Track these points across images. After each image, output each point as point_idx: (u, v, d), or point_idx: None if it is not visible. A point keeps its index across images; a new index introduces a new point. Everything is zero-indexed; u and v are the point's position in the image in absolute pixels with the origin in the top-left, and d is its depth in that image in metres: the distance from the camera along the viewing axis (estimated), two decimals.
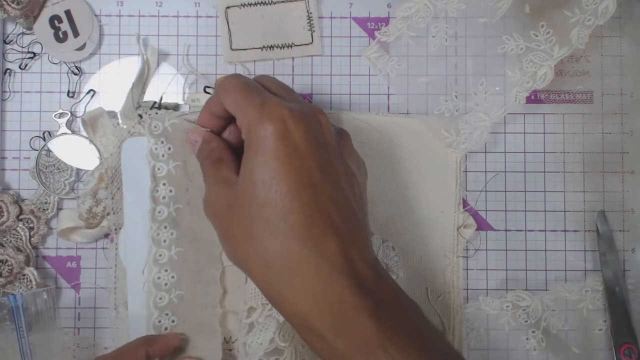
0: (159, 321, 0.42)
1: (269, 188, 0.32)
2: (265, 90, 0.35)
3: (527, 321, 0.46)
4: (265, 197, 0.32)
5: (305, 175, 0.32)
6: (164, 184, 0.42)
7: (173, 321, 0.42)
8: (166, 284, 0.42)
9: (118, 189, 0.44)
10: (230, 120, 0.38)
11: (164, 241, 0.42)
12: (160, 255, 0.42)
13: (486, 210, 0.47)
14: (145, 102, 0.45)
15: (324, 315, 0.31)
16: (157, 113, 0.44)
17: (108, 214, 0.45)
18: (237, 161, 0.36)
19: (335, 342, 0.30)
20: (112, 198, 0.44)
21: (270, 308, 0.40)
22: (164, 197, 0.42)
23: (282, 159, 0.32)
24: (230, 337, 0.44)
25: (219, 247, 0.43)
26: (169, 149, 0.42)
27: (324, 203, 0.32)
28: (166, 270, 0.42)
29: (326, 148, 0.34)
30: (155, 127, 0.42)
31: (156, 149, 0.42)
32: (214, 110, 0.37)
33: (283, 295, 0.32)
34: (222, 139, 0.38)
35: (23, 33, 0.47)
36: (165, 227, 0.42)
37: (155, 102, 0.45)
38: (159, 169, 0.42)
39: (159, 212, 0.42)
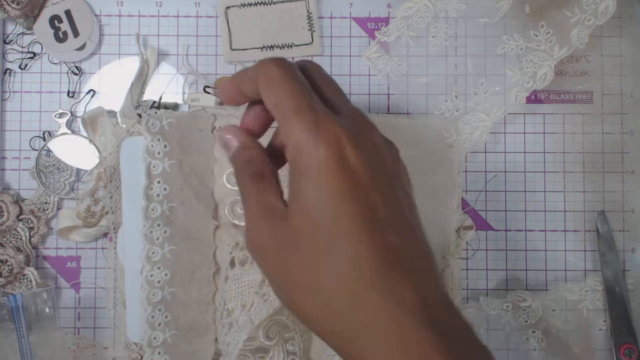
0: (152, 317, 0.42)
1: (332, 229, 0.27)
2: (314, 94, 0.30)
3: (527, 321, 0.46)
4: (329, 240, 0.27)
5: (372, 211, 0.28)
6: (159, 182, 0.42)
7: (166, 317, 0.42)
8: (159, 282, 0.42)
9: (117, 188, 0.44)
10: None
11: (157, 239, 0.42)
12: (153, 252, 0.42)
13: (486, 211, 0.47)
14: (144, 101, 0.45)
15: None
16: (156, 113, 0.44)
17: (107, 213, 0.45)
18: (277, 175, 0.31)
19: None
20: (111, 197, 0.44)
21: (248, 310, 0.39)
22: (158, 195, 0.42)
23: (345, 193, 0.27)
24: None
25: (212, 246, 0.43)
26: (165, 146, 0.42)
27: (395, 242, 0.28)
28: (159, 268, 0.42)
29: (385, 173, 0.30)
30: (153, 124, 0.42)
31: (152, 146, 0.42)
32: (244, 88, 0.31)
33: (366, 355, 0.27)
34: (262, 149, 0.32)
35: (23, 33, 0.47)
36: (159, 225, 0.42)
37: (154, 102, 0.45)
38: (154, 166, 0.42)
39: (152, 209, 0.42)
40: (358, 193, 0.27)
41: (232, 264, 0.42)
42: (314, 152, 0.27)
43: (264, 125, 0.33)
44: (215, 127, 0.44)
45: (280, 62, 0.30)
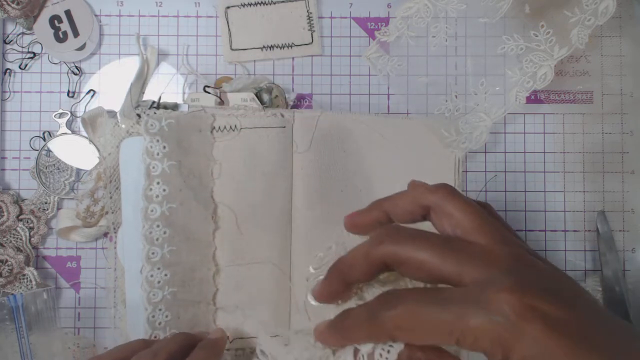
0: (153, 316, 0.42)
1: None
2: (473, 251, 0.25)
3: None
4: None
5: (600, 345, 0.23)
6: (158, 183, 0.42)
7: (167, 316, 0.42)
8: (159, 282, 0.42)
9: (116, 188, 0.44)
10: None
11: (157, 239, 0.42)
12: (153, 253, 0.42)
13: None
14: (144, 101, 0.45)
15: None
16: (155, 113, 0.44)
17: (106, 213, 0.45)
18: None
19: None
20: (111, 197, 0.44)
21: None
22: (157, 196, 0.42)
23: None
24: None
25: (211, 247, 0.43)
26: (164, 147, 0.42)
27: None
28: (159, 268, 0.42)
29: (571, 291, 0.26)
30: (152, 125, 0.42)
31: (151, 147, 0.42)
32: (353, 277, 0.26)
33: None
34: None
35: (23, 33, 0.47)
36: (158, 226, 0.42)
37: (154, 102, 0.45)
38: (153, 167, 0.42)
39: (152, 210, 0.42)
40: (583, 350, 0.23)
41: None
42: (518, 338, 0.23)
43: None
44: (214, 128, 0.44)
45: (462, 198, 0.26)
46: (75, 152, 0.46)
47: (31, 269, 0.45)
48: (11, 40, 0.47)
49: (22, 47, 0.47)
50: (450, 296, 0.24)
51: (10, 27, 0.47)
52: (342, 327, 0.26)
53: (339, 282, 0.27)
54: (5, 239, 0.45)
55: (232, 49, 0.47)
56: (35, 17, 0.46)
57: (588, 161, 0.47)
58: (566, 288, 0.25)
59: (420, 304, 0.24)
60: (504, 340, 0.23)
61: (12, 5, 0.45)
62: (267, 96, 0.45)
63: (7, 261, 0.44)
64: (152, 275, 0.42)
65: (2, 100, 0.46)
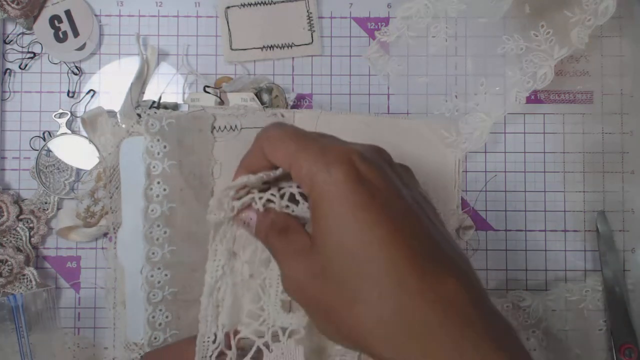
0: (153, 317, 0.42)
1: (359, 241, 0.27)
2: (317, 133, 0.31)
3: (527, 321, 0.46)
4: (360, 253, 0.27)
5: (397, 217, 0.27)
6: (158, 183, 0.42)
7: (167, 317, 0.42)
8: (159, 282, 0.42)
9: (117, 188, 0.44)
10: None
11: (157, 239, 0.42)
12: (154, 253, 0.42)
13: (486, 210, 0.47)
14: (144, 101, 0.45)
15: None
16: (155, 112, 0.44)
17: (106, 213, 0.45)
18: (299, 223, 0.32)
19: None
20: (111, 197, 0.44)
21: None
22: (157, 196, 0.42)
23: (364, 205, 0.27)
24: None
25: None
26: (165, 147, 0.42)
27: (427, 243, 0.28)
28: (159, 268, 0.42)
29: (402, 184, 0.30)
30: (152, 125, 0.42)
31: (152, 147, 0.42)
32: (252, 167, 0.32)
33: None
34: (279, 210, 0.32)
35: (23, 33, 0.47)
36: (158, 226, 0.42)
37: (154, 102, 0.45)
38: (154, 167, 0.42)
39: (152, 210, 0.42)
40: (379, 202, 0.27)
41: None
42: (327, 175, 0.28)
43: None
44: (215, 127, 0.44)
45: (277, 123, 0.31)
46: (75, 152, 0.46)
47: (31, 269, 0.45)
48: (11, 40, 0.47)
49: (22, 47, 0.47)
50: (307, 141, 0.29)
51: (10, 27, 0.47)
52: (240, 163, 0.33)
53: (243, 172, 0.32)
54: (5, 239, 0.45)
55: (232, 49, 0.47)
56: (35, 17, 0.46)
57: (588, 161, 0.47)
58: (395, 184, 0.29)
59: (284, 131, 0.30)
60: (312, 174, 0.28)
61: (12, 5, 0.45)
62: (267, 96, 0.45)
63: (7, 261, 0.44)
64: (152, 275, 0.42)
65: (2, 100, 0.46)
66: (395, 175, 0.30)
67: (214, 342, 0.37)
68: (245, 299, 0.38)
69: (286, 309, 0.37)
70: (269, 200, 0.33)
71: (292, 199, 0.33)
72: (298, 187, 0.32)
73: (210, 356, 0.37)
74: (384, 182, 0.28)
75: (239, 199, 0.34)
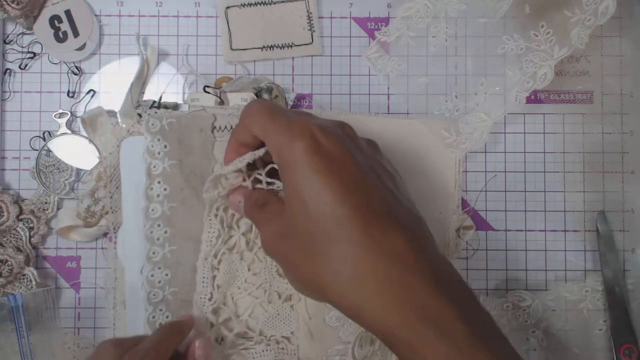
0: (153, 316, 0.42)
1: (316, 201, 0.31)
2: (290, 110, 0.35)
3: (527, 321, 0.46)
4: (316, 212, 0.31)
5: (348, 179, 0.31)
6: (159, 182, 0.42)
7: (167, 317, 0.42)
8: (160, 282, 0.42)
9: (117, 187, 0.44)
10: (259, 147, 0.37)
11: (158, 239, 0.42)
12: (154, 253, 0.42)
13: (486, 210, 0.47)
14: (144, 101, 0.45)
15: (409, 323, 0.29)
16: (156, 112, 0.44)
17: (107, 212, 0.45)
18: (280, 197, 0.36)
19: (423, 350, 0.29)
20: (111, 197, 0.44)
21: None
22: (158, 195, 0.42)
23: (322, 170, 0.31)
24: (222, 338, 0.44)
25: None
26: (165, 147, 0.42)
27: (376, 202, 0.31)
28: (159, 268, 0.42)
29: (361, 154, 0.33)
30: (153, 124, 0.42)
31: (152, 146, 0.42)
32: (242, 139, 0.36)
33: (360, 307, 0.30)
34: (264, 188, 0.37)
35: (23, 33, 0.47)
36: (159, 225, 0.42)
37: (154, 102, 0.45)
38: (154, 166, 0.42)
39: (153, 210, 0.42)
40: (333, 167, 0.31)
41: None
42: (292, 146, 0.31)
43: (249, 148, 0.37)
44: (215, 127, 0.44)
45: (260, 100, 0.37)
46: (75, 152, 0.46)
47: (31, 269, 0.45)
48: (11, 40, 0.47)
49: (22, 47, 0.47)
50: (277, 115, 0.33)
51: (10, 27, 0.47)
52: (231, 134, 0.37)
53: (234, 142, 0.37)
54: (5, 239, 0.45)
55: (232, 49, 0.47)
56: (35, 17, 0.46)
57: (588, 161, 0.47)
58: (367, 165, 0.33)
59: (261, 106, 0.34)
60: (280, 145, 0.32)
61: (12, 5, 0.45)
62: (267, 96, 0.45)
63: (7, 261, 0.44)
64: (152, 275, 0.42)
65: (2, 100, 0.46)
66: (354, 145, 0.33)
67: (209, 299, 0.42)
68: (241, 267, 0.42)
69: (282, 275, 0.42)
70: (256, 179, 0.37)
71: (277, 174, 0.36)
72: None
73: (206, 312, 0.42)
74: (340, 151, 0.32)
75: (231, 177, 0.38)
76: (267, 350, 0.42)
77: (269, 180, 0.37)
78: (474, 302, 0.31)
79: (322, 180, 0.31)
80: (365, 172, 0.32)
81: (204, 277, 0.42)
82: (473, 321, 0.29)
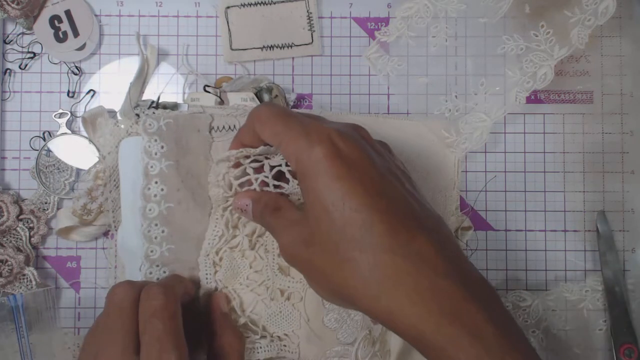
0: None
1: (341, 208, 0.30)
2: (300, 114, 0.34)
3: (527, 321, 0.46)
4: (341, 218, 0.30)
5: (370, 184, 0.31)
6: (156, 182, 0.42)
7: None
8: (158, 279, 0.42)
9: (116, 187, 0.44)
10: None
11: (155, 238, 0.42)
12: (152, 251, 0.42)
13: (486, 210, 0.47)
14: (143, 101, 0.45)
15: (442, 328, 0.29)
16: (154, 112, 0.44)
17: (101, 212, 0.45)
18: (291, 201, 0.36)
19: (457, 355, 0.28)
20: (110, 196, 0.44)
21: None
22: (155, 195, 0.42)
23: (344, 176, 0.31)
24: None
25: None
26: (162, 147, 0.42)
27: (399, 206, 0.31)
28: (157, 266, 0.42)
29: (379, 157, 0.33)
30: (150, 125, 0.42)
31: (150, 147, 0.42)
32: (246, 142, 0.36)
33: (393, 312, 0.30)
34: (271, 191, 0.37)
35: (23, 33, 0.47)
36: (156, 225, 0.42)
37: (153, 102, 0.45)
38: (151, 167, 0.42)
39: (150, 209, 0.42)
40: (355, 173, 0.31)
41: None
42: (310, 153, 0.31)
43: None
44: (213, 127, 0.44)
45: (268, 103, 0.36)
46: (75, 152, 0.46)
47: (31, 269, 0.45)
48: (11, 40, 0.47)
49: (22, 47, 0.47)
50: (292, 122, 0.33)
51: (10, 27, 0.47)
52: (235, 136, 0.37)
53: (238, 144, 0.37)
54: (5, 239, 0.45)
55: (232, 49, 0.47)
56: (35, 17, 0.46)
57: (588, 161, 0.47)
58: (380, 162, 0.33)
59: (273, 111, 0.34)
60: (298, 153, 0.32)
61: (12, 5, 0.45)
62: (267, 96, 0.45)
63: (7, 261, 0.44)
64: (150, 273, 0.42)
65: (2, 100, 0.47)
66: (371, 149, 0.33)
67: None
68: (242, 264, 0.43)
69: (285, 273, 0.43)
70: (263, 183, 0.37)
71: (284, 177, 0.36)
72: (287, 164, 0.36)
73: None
74: (360, 155, 0.32)
75: (237, 178, 0.38)
76: (271, 345, 0.42)
77: (276, 183, 0.37)
78: (497, 302, 0.31)
79: (344, 187, 0.30)
80: (384, 175, 0.32)
81: (206, 274, 0.42)
82: (500, 322, 0.29)
